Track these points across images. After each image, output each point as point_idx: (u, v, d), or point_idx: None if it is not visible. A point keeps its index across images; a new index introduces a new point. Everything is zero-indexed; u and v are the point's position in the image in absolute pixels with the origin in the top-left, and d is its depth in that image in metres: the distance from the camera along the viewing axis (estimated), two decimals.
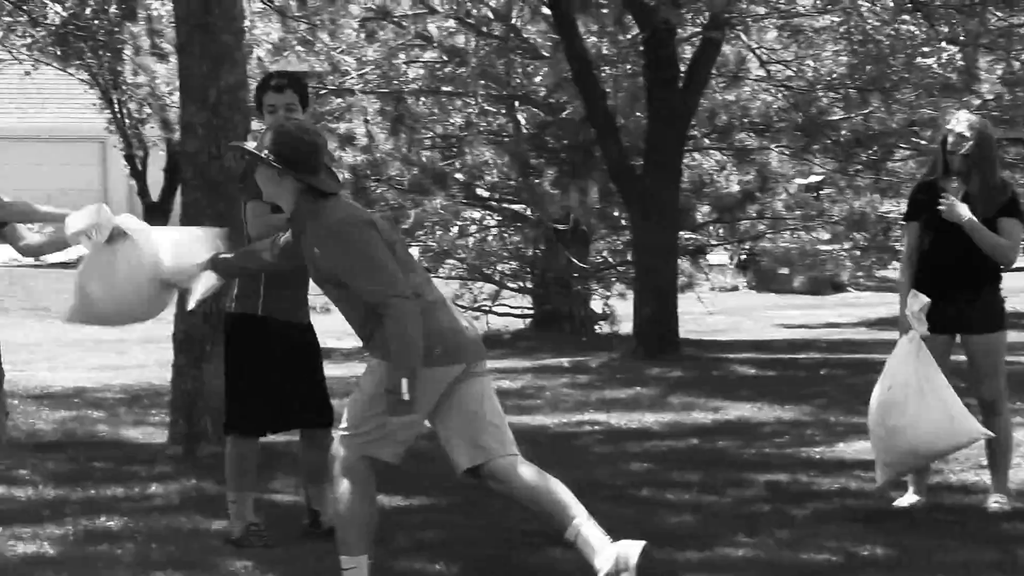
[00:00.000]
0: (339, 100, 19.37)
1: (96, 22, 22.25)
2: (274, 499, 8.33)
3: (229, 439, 7.26)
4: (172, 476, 8.92)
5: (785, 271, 28.07)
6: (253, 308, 7.13)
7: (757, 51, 19.00)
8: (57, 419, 11.75)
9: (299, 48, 18.61)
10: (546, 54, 19.09)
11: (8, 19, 22.50)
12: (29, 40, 24.98)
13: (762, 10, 18.16)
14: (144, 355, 17.78)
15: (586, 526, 5.90)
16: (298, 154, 5.94)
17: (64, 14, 20.45)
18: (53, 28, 21.42)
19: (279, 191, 6.03)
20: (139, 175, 34.38)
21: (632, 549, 5.77)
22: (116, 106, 32.97)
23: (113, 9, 22.18)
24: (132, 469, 9.29)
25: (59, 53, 25.20)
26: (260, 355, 7.08)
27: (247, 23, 12.47)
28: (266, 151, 5.97)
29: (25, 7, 20.35)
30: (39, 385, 14.33)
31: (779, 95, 19.27)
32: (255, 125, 9.64)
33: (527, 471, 6.08)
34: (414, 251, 19.96)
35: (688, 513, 7.92)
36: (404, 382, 5.72)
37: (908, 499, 7.97)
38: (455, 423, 6.05)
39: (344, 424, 5.97)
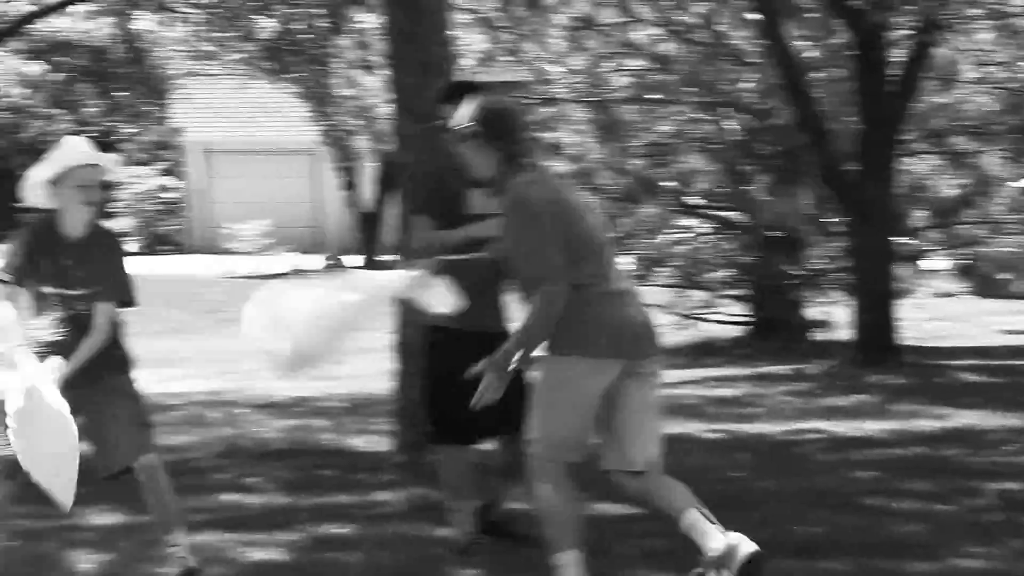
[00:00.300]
0: (546, 110, 19.43)
1: (305, 36, 22.57)
2: (515, 507, 8.35)
3: (440, 450, 7.30)
4: (398, 484, 8.99)
5: (1007, 276, 27.43)
6: (450, 320, 7.17)
7: (971, 52, 18.60)
8: (283, 428, 11.94)
9: (505, 58, 18.71)
10: (753, 60, 18.92)
11: (220, 34, 22.92)
12: (242, 55, 25.46)
13: (976, 11, 17.77)
14: (363, 364, 17.96)
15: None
16: (501, 124, 6.10)
17: (275, 29, 20.77)
18: (264, 43, 21.77)
19: (481, 160, 6.15)
20: (351, 186, 34.85)
21: (745, 547, 5.78)
22: (327, 119, 33.45)
23: (321, 23, 22.50)
24: (358, 477, 9.40)
25: (270, 67, 25.65)
26: (460, 366, 7.08)
27: (453, 34, 12.53)
28: (471, 121, 6.11)
29: (237, 23, 20.72)
30: (263, 394, 14.58)
31: (994, 97, 18.84)
32: None
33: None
34: (626, 259, 19.85)
35: (917, 522, 7.76)
36: (514, 359, 5.89)
37: None
38: (614, 420, 6.04)
39: (531, 431, 6.05)
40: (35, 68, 37.12)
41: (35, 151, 51.12)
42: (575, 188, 6.40)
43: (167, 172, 43.60)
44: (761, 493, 8.73)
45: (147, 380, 15.41)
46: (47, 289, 6.64)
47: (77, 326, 6.60)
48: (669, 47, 19.10)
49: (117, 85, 39.22)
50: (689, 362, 19.20)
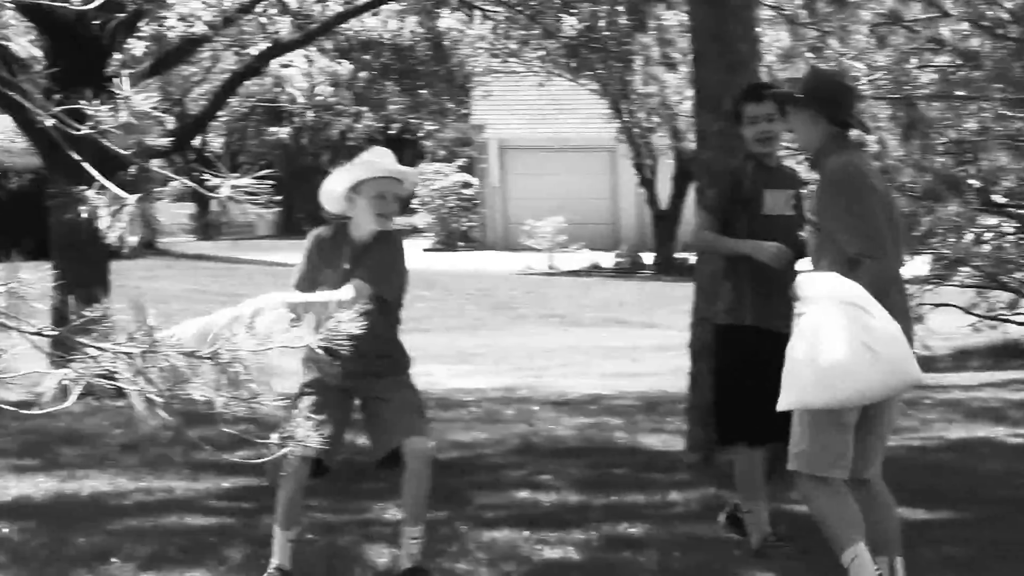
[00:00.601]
0: None
1: (607, 33, 22.61)
2: (794, 509, 8.24)
3: (733, 450, 7.22)
4: (691, 484, 8.94)
5: None
6: (741, 319, 7.08)
7: None
8: (576, 425, 11.99)
9: (808, 55, 18.45)
10: None
11: (523, 32, 23.14)
12: (542, 53, 25.65)
13: None
14: (658, 363, 17.97)
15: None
16: (834, 95, 6.14)
17: (578, 26, 20.86)
18: (566, 40, 21.88)
19: (810, 133, 6.15)
20: (648, 184, 34.87)
21: None
22: (626, 116, 33.53)
23: (624, 20, 22.51)
24: (651, 476, 9.38)
25: (572, 65, 25.78)
26: (752, 365, 6.98)
27: (758, 31, 12.43)
28: (804, 90, 6.16)
29: (539, 20, 20.87)
30: (557, 391, 14.66)
31: None
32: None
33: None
34: (926, 259, 19.46)
35: None
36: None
37: None
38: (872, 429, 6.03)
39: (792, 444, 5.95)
40: (343, 67, 38.04)
41: (340, 149, 52.75)
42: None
43: (465, 169, 44.25)
44: None
45: (442, 375, 15.75)
46: None
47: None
48: (977, 43, 18.57)
49: (420, 82, 39.96)
50: (991, 364, 18.71)
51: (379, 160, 6.79)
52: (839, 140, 6.14)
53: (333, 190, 6.79)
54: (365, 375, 6.57)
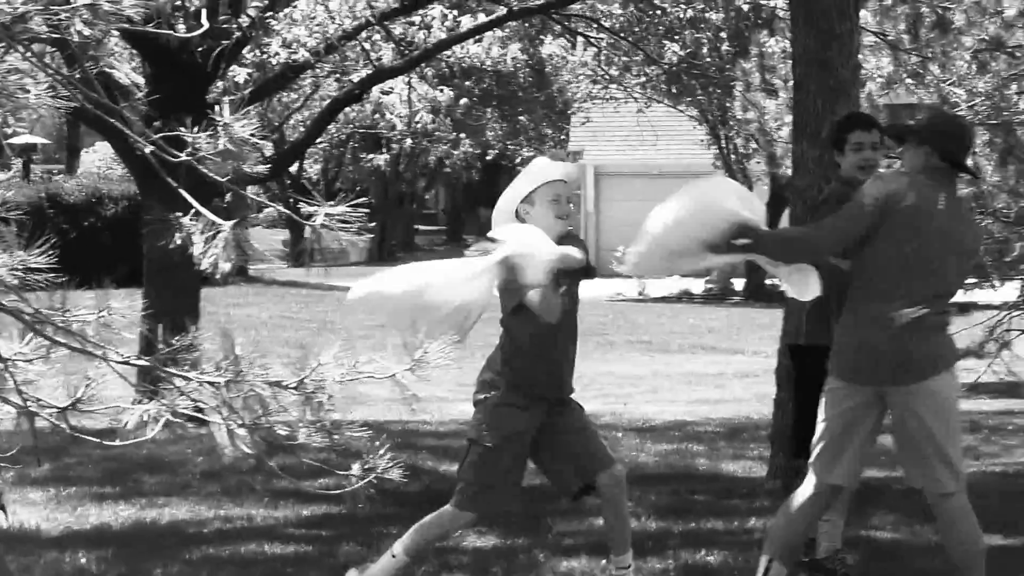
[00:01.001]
0: None
1: (709, 60, 22.57)
2: (873, 535, 8.16)
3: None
4: (771, 511, 8.83)
5: None
6: (825, 339, 7.03)
7: None
8: (659, 452, 11.95)
9: (909, 81, 18.32)
10: None
11: (625, 58, 23.14)
12: (643, 78, 25.64)
13: None
14: (742, 389, 17.89)
15: None
16: (952, 132, 6.24)
17: (681, 53, 20.83)
18: (668, 66, 21.86)
19: (919, 167, 6.23)
20: None
21: None
22: (723, 141, 33.44)
23: (725, 47, 22.46)
24: (732, 503, 9.32)
25: (673, 91, 25.74)
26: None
27: (860, 57, 12.36)
28: (921, 126, 6.26)
29: (641, 47, 20.88)
30: (642, 418, 14.63)
31: None
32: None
33: None
34: (1016, 284, 19.23)
35: None
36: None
37: None
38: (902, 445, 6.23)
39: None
40: (444, 94, 38.24)
41: (436, 176, 52.70)
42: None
43: None
44: None
45: None
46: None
47: None
48: None
49: (520, 109, 40.07)
50: None
51: (545, 165, 6.79)
52: (943, 176, 6.22)
53: (506, 209, 6.74)
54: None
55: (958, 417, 6.22)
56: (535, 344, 6.53)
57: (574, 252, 6.44)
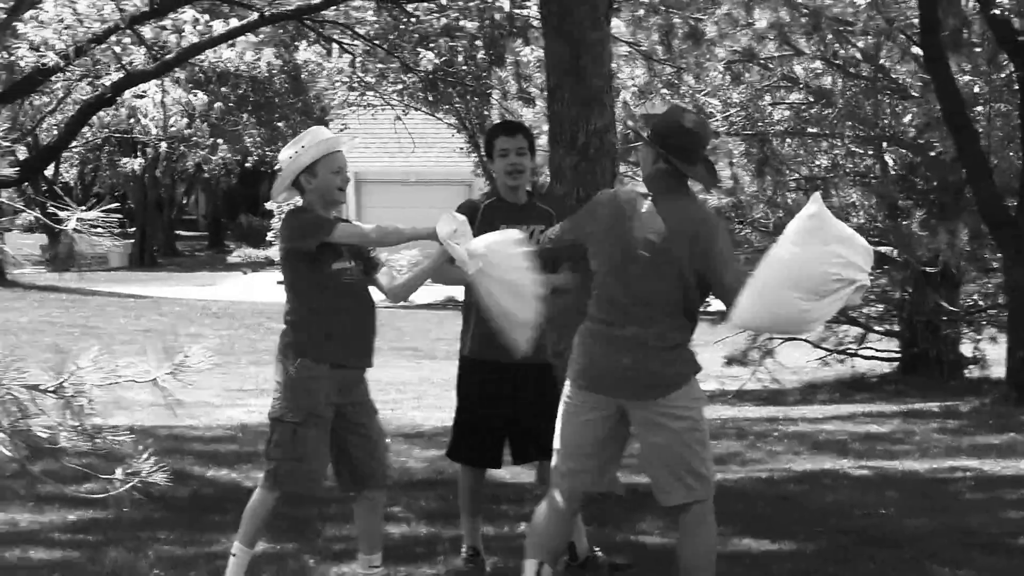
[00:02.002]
0: None
1: (465, 68, 22.70)
2: (641, 540, 8.30)
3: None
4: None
5: None
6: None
7: None
8: (427, 457, 11.97)
9: (664, 91, 18.64)
10: (915, 94, 18.69)
11: (381, 66, 23.15)
12: (400, 86, 25.68)
13: None
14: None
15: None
16: (674, 137, 6.07)
17: (436, 60, 20.91)
18: (424, 74, 21.93)
19: (646, 169, 6.23)
20: None
21: None
22: (482, 149, 33.70)
23: (481, 55, 22.61)
24: (501, 508, 9.38)
25: (430, 99, 25.83)
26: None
27: (613, 67, 12.53)
28: (648, 130, 6.16)
29: (397, 54, 20.90)
30: (409, 424, 14.65)
31: None
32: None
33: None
34: None
35: None
36: None
37: None
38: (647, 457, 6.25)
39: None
40: (198, 98, 37.74)
41: (195, 181, 52.01)
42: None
43: None
44: (910, 531, 8.60)
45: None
46: (338, 265, 6.74)
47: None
48: (829, 80, 18.91)
49: (277, 115, 39.76)
50: (838, 397, 19.02)
51: (325, 138, 6.83)
52: (669, 180, 6.12)
53: (286, 178, 6.80)
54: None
55: (703, 426, 6.17)
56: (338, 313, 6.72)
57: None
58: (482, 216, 7.50)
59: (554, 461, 6.33)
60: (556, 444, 6.31)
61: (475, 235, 6.70)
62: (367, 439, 6.82)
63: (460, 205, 7.60)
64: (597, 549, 7.74)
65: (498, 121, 8.62)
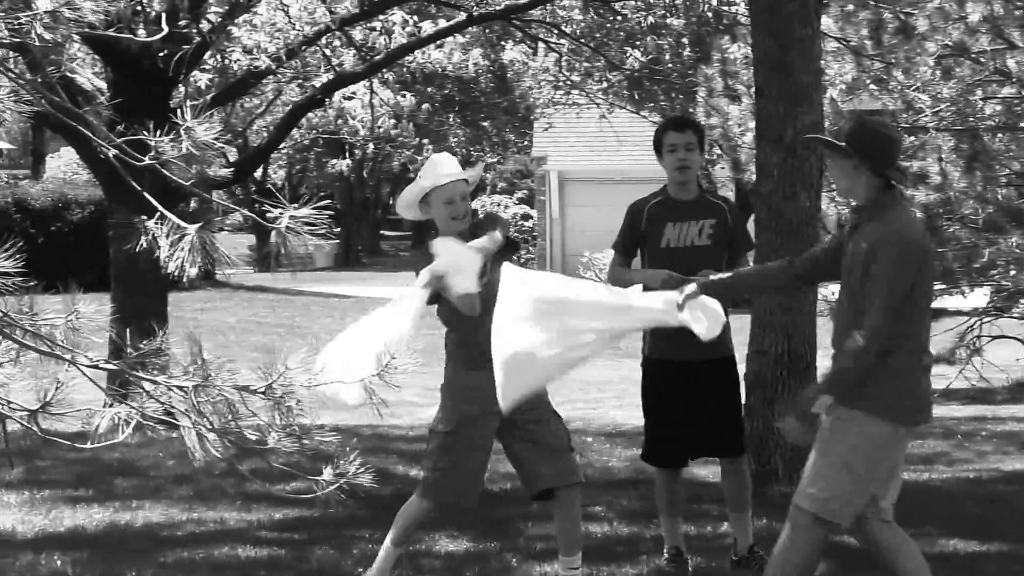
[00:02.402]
0: (912, 138, 19.01)
1: (671, 65, 22.62)
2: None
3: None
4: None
5: None
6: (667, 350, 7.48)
7: None
8: (628, 457, 11.95)
9: (872, 86, 18.37)
10: None
11: (587, 64, 23.17)
12: (605, 85, 25.66)
13: None
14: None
15: None
16: (876, 144, 5.88)
17: (642, 58, 20.87)
18: (630, 72, 21.90)
19: (853, 184, 5.94)
20: None
21: None
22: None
23: (687, 52, 22.52)
24: (703, 507, 9.33)
25: (635, 97, 25.77)
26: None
27: (822, 63, 12.39)
28: (844, 140, 5.90)
29: (603, 52, 20.91)
30: (611, 423, 14.62)
31: None
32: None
33: None
34: (985, 291, 19.35)
35: None
36: (825, 405, 5.76)
37: None
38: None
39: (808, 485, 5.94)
40: (406, 99, 38.18)
41: (401, 181, 52.95)
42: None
43: (525, 201, 44.30)
44: None
45: None
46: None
47: None
48: None
49: (482, 114, 40.07)
50: None
51: (442, 165, 7.02)
52: (888, 194, 5.92)
53: (407, 206, 7.09)
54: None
55: None
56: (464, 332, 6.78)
57: (486, 241, 6.71)
58: (647, 217, 7.58)
59: (854, 499, 5.90)
60: (871, 488, 5.94)
61: (647, 235, 7.19)
62: (535, 444, 6.84)
63: (629, 207, 7.65)
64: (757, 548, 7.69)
65: (667, 118, 8.60)
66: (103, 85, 15.20)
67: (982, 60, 18.40)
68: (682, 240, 7.50)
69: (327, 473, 3.69)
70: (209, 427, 3.48)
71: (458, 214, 6.89)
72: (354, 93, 35.90)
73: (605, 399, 17.69)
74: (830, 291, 17.74)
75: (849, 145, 5.90)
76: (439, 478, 6.80)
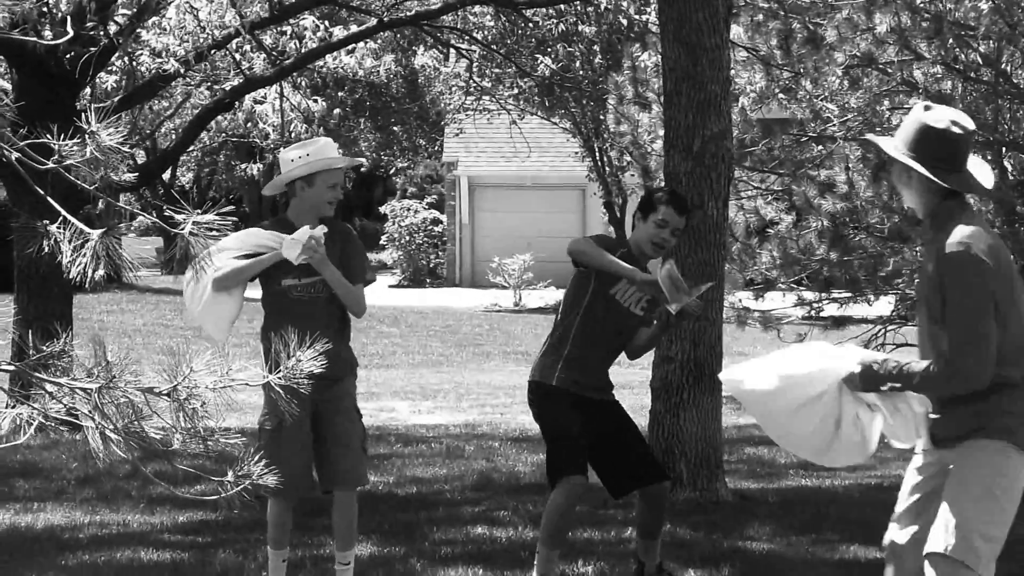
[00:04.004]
0: (820, 148, 19.18)
1: (582, 72, 22.71)
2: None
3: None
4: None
5: None
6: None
7: None
8: (535, 462, 11.98)
9: (781, 96, 18.52)
10: None
11: (497, 70, 23.22)
12: (516, 90, 25.73)
13: None
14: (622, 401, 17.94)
15: None
16: (933, 148, 5.16)
17: (553, 66, 20.94)
18: (540, 79, 21.97)
19: (910, 191, 5.27)
20: (617, 222, 34.97)
21: None
22: (597, 154, 33.66)
23: (598, 60, 22.61)
24: (609, 513, 9.36)
25: (546, 103, 25.84)
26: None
27: (731, 72, 12.47)
28: (912, 150, 5.19)
29: (514, 59, 20.96)
30: (518, 428, 14.65)
31: None
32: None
33: None
34: (891, 299, 19.57)
35: None
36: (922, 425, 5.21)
37: None
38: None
39: (942, 539, 5.04)
40: (317, 104, 38.04)
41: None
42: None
43: (435, 206, 44.27)
44: None
45: (405, 411, 15.68)
46: (286, 282, 6.91)
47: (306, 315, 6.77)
48: (949, 85, 18.66)
49: (393, 120, 40.01)
50: None
51: (330, 154, 7.00)
52: (955, 204, 5.18)
53: (282, 180, 7.07)
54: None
55: None
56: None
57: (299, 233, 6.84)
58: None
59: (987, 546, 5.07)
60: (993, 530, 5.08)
61: (596, 286, 7.16)
62: (333, 440, 6.89)
63: (601, 235, 7.62)
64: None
65: (671, 189, 8.39)
66: (7, 87, 15.05)
67: (889, 71, 18.59)
68: (626, 300, 7.30)
69: (230, 475, 3.68)
70: (113, 428, 3.46)
71: (335, 200, 6.96)
72: (264, 97, 35.75)
73: (513, 404, 17.73)
74: (737, 299, 17.94)
75: (917, 155, 5.18)
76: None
